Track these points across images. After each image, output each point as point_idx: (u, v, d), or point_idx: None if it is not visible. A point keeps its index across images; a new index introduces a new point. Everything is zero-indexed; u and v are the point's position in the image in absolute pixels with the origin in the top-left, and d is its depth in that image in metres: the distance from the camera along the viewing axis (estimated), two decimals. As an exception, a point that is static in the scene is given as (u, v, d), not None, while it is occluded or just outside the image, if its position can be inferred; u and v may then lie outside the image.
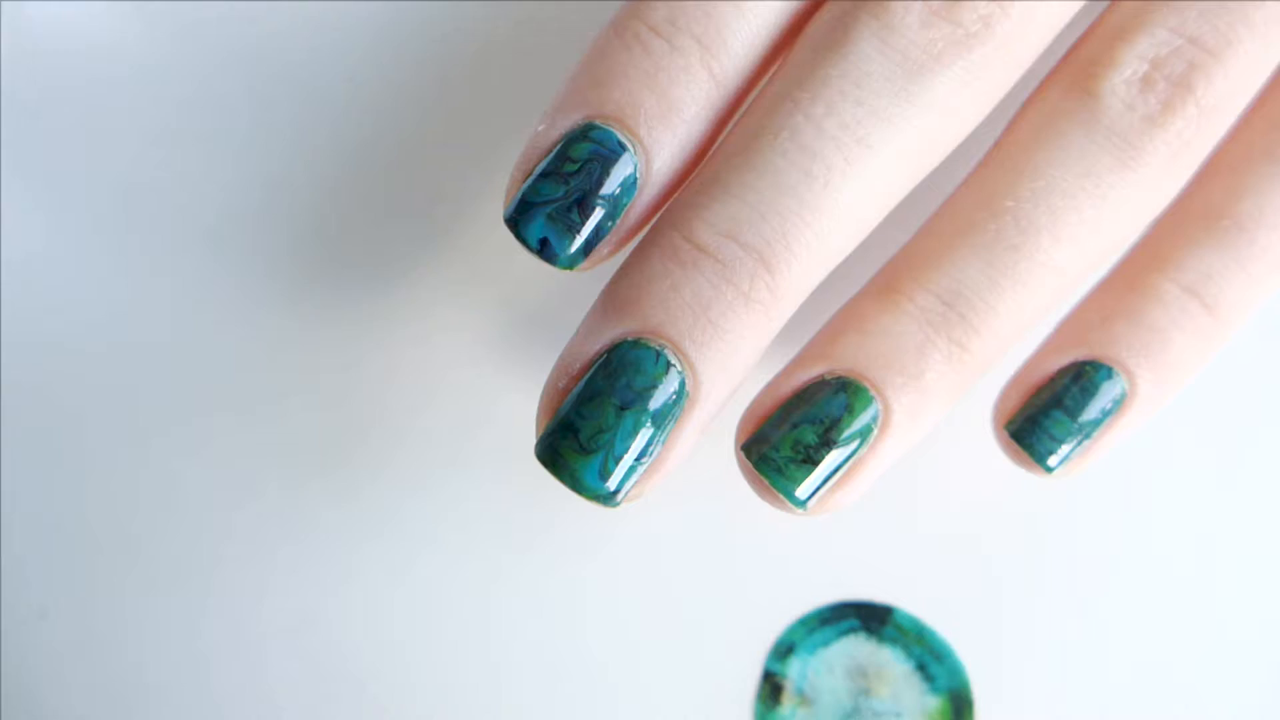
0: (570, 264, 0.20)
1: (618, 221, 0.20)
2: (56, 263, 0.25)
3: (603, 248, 0.20)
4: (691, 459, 0.24)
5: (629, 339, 0.19)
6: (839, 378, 0.20)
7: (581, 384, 0.19)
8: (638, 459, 0.19)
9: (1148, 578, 0.24)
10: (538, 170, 0.20)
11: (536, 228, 0.19)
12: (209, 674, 0.24)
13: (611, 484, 0.19)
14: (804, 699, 0.23)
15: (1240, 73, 0.21)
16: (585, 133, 0.20)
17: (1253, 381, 0.25)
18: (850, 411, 0.20)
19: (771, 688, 0.23)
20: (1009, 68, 0.20)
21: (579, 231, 0.20)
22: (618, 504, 0.19)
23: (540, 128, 0.20)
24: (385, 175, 0.25)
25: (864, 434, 0.20)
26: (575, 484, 0.19)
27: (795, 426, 0.20)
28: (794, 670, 0.23)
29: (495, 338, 0.25)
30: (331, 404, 0.24)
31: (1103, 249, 0.21)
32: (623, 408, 0.19)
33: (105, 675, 0.24)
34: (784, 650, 0.23)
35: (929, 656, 0.23)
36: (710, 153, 0.20)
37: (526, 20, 0.26)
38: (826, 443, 0.20)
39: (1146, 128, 0.20)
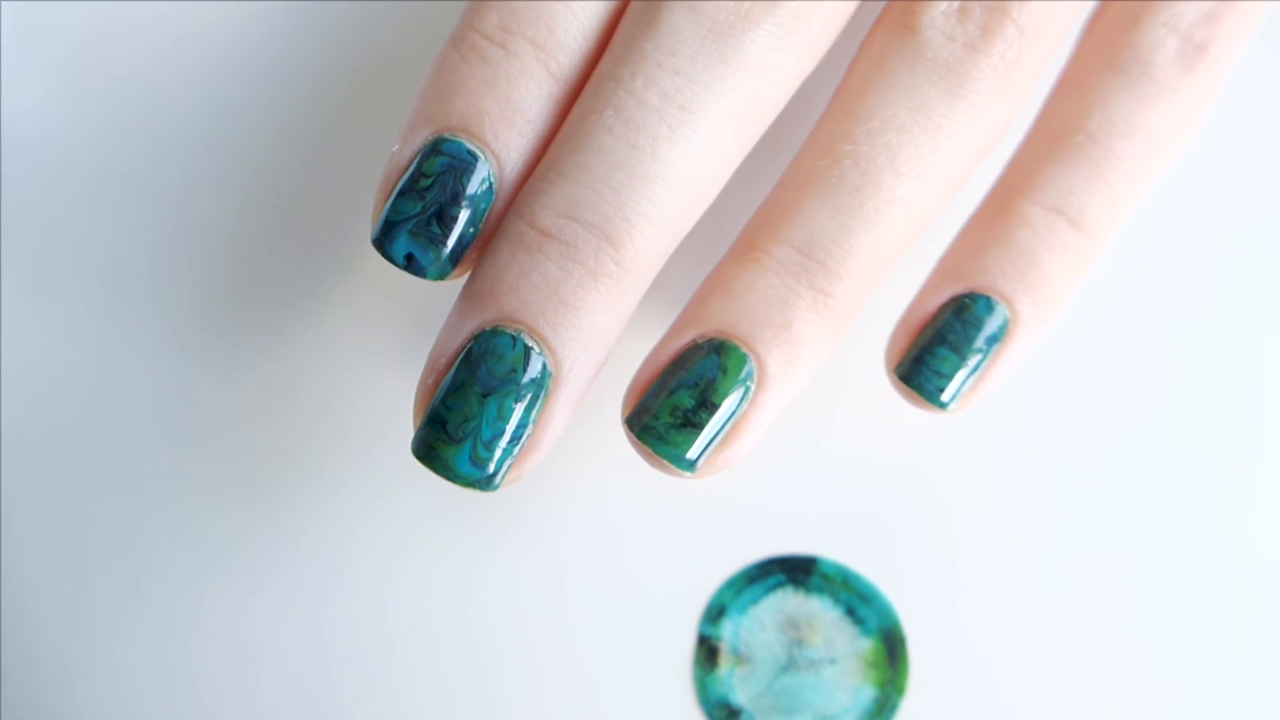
0: (440, 274, 0.21)
1: (480, 227, 0.21)
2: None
3: (470, 254, 0.21)
4: (610, 438, 0.25)
5: (487, 328, 0.20)
6: (710, 339, 0.21)
7: (448, 378, 0.20)
8: (511, 442, 0.20)
9: (1061, 507, 0.24)
10: (396, 189, 0.21)
11: (400, 245, 0.20)
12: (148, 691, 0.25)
13: (488, 468, 0.20)
14: (740, 658, 0.24)
15: (1058, -11, 0.21)
16: (436, 147, 0.20)
17: (1153, 324, 0.25)
18: (724, 371, 0.21)
19: (707, 651, 0.24)
20: (825, 20, 0.21)
21: (442, 243, 0.20)
22: (496, 486, 0.20)
23: (395, 148, 0.21)
24: (307, 197, 0.26)
25: (742, 391, 0.21)
26: (448, 473, 0.20)
27: (672, 393, 0.21)
28: (727, 631, 0.24)
29: (415, 349, 0.26)
30: (263, 424, 0.25)
31: (946, 179, 0.21)
32: (485, 394, 0.20)
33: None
34: (715, 613, 0.24)
35: (856, 600, 0.24)
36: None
37: (425, 33, 0.26)
38: (704, 404, 0.21)
39: (968, 55, 0.21)
